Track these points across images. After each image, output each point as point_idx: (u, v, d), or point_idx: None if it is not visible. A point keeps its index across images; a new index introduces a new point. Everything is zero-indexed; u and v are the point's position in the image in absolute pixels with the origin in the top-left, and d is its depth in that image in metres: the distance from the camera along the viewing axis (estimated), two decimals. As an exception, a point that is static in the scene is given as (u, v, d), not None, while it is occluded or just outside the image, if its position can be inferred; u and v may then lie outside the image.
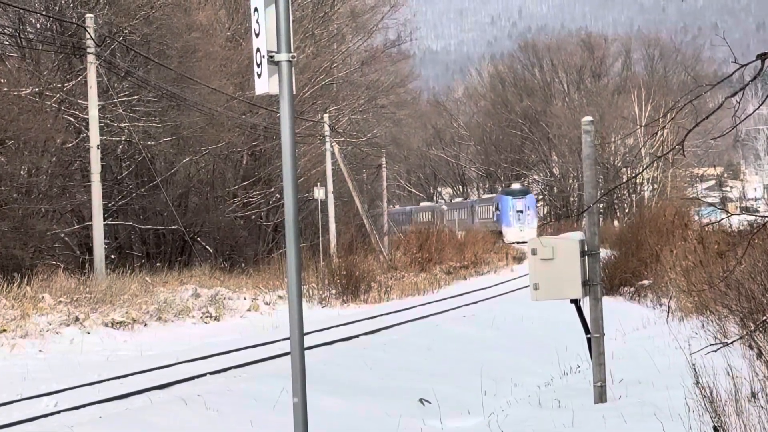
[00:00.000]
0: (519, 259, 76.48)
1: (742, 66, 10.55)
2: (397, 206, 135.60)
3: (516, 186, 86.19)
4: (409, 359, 24.89)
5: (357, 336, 28.71)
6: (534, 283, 16.69)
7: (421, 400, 19.41)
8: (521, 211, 73.91)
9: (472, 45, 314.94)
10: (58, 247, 46.19)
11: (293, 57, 7.85)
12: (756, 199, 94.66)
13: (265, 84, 8.08)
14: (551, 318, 28.12)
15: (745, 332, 16.17)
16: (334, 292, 44.29)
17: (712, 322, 22.39)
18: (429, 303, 42.82)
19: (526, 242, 44.46)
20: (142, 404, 18.08)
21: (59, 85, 43.37)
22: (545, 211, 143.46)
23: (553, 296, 17.30)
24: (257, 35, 8.10)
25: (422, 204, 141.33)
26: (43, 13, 46.30)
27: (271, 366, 22.31)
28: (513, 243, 77.12)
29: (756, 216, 42.05)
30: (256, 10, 7.99)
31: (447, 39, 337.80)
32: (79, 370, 22.97)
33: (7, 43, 45.18)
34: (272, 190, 55.79)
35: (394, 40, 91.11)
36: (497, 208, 79.13)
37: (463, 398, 19.59)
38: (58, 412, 17.16)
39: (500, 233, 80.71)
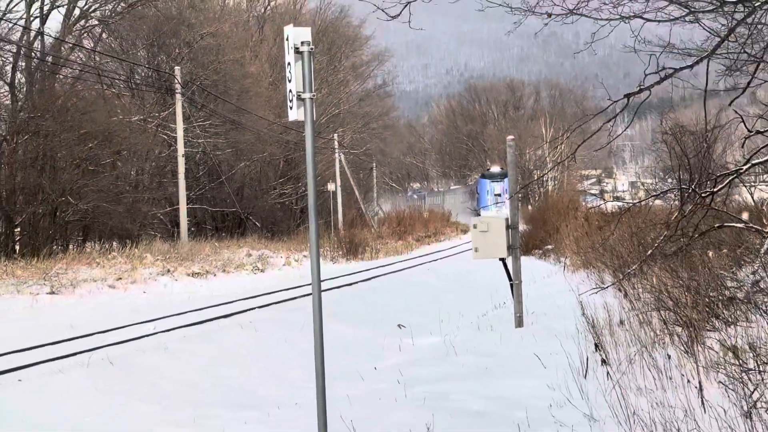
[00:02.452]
0: (465, 231, 73.61)
1: (614, 102, 10.69)
2: (415, 194, 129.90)
3: (495, 169, 64.05)
4: (389, 298, 25.12)
5: (356, 282, 28.57)
6: (475, 247, 17.39)
7: (399, 326, 19.77)
8: (499, 194, 56.71)
9: (433, 88, 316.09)
10: (156, 223, 46.20)
11: (313, 95, 8.01)
12: (623, 191, 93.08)
13: (295, 113, 8.18)
14: (486, 271, 27.04)
15: (615, 280, 16.31)
16: (340, 252, 44.12)
17: (594, 273, 22.52)
18: (404, 261, 42.78)
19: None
20: (212, 328, 18.31)
21: (157, 114, 43.50)
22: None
23: (488, 256, 17.50)
24: (290, 81, 8.19)
25: (434, 190, 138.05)
26: (147, 66, 47.00)
27: (299, 303, 22.13)
28: None
29: (623, 203, 44.31)
30: (289, 64, 8.13)
31: (416, 84, 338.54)
32: (170, 305, 22.84)
33: (122, 85, 45.42)
34: (299, 184, 55.64)
35: (381, 84, 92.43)
36: (476, 191, 62.72)
37: (427, 325, 19.48)
38: (156, 333, 17.39)
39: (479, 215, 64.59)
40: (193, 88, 45.70)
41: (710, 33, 13.39)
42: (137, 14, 44.75)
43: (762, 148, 12.14)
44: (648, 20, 11.92)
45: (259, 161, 55.14)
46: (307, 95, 8.15)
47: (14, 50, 35.60)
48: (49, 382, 13.16)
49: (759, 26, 13.71)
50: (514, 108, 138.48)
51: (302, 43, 8.26)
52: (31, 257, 29.76)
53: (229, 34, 53.96)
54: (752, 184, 15.21)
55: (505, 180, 52.69)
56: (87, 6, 41.53)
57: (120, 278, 27.89)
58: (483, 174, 58.40)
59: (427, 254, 48.77)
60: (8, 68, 36.58)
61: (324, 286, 19.40)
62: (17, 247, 33.42)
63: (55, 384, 13.10)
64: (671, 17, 12.14)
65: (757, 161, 12.12)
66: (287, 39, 8.36)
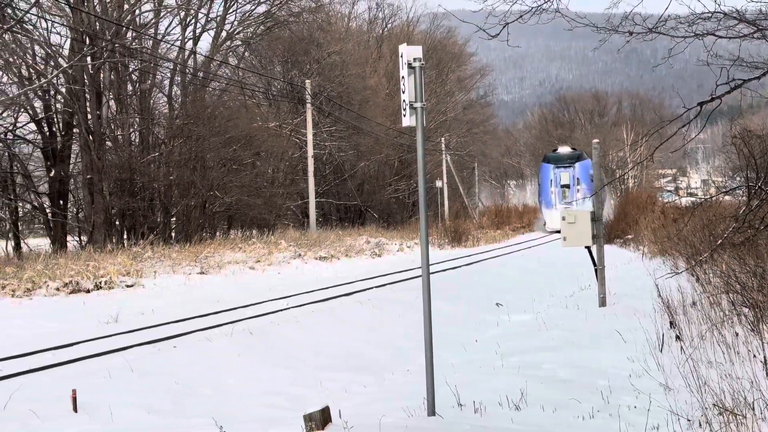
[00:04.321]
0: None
1: (688, 109, 10.40)
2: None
3: (564, 150, 44.87)
4: (488, 280, 24.71)
5: (459, 267, 28.48)
6: (564, 236, 17.19)
7: (497, 304, 19.25)
8: (567, 186, 37.32)
9: (528, 98, 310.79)
10: (289, 214, 47.35)
11: (423, 105, 8.04)
12: (696, 188, 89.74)
13: (408, 120, 8.22)
14: (572, 258, 26.45)
15: (688, 266, 15.90)
16: (446, 240, 44.04)
17: (669, 260, 22.22)
18: (501, 248, 42.36)
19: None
20: (336, 304, 18.31)
21: (290, 121, 44.87)
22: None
23: (575, 245, 17.14)
24: (403, 92, 8.26)
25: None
26: (282, 80, 48.77)
27: (410, 284, 22.04)
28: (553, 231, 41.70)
29: (695, 198, 40.22)
30: (403, 77, 8.15)
31: (513, 94, 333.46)
32: (301, 284, 23.04)
33: (261, 96, 47.52)
34: (411, 181, 55.77)
35: (482, 95, 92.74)
36: (539, 179, 44.50)
37: (521, 303, 19.64)
38: (289, 308, 17.43)
39: (544, 221, 45.78)
40: (321, 98, 46.88)
41: (776, 47, 12.92)
42: (274, 36, 47.69)
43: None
44: (719, 37, 12.09)
45: (377, 161, 55.81)
46: (418, 104, 8.15)
47: (171, 67, 37.40)
48: (199, 349, 13.44)
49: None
50: (599, 115, 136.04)
51: (414, 59, 8.26)
52: (184, 243, 30.60)
53: (352, 53, 55.67)
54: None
55: (578, 165, 37.81)
56: (232, 29, 43.60)
57: (258, 261, 28.35)
58: (546, 156, 40.39)
59: (520, 242, 48.09)
60: (166, 82, 39.20)
61: (431, 269, 19.27)
62: (173, 234, 34.63)
63: (203, 350, 13.48)
64: (741, 34, 11.98)
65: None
66: (402, 56, 8.36)
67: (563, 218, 18.29)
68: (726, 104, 11.68)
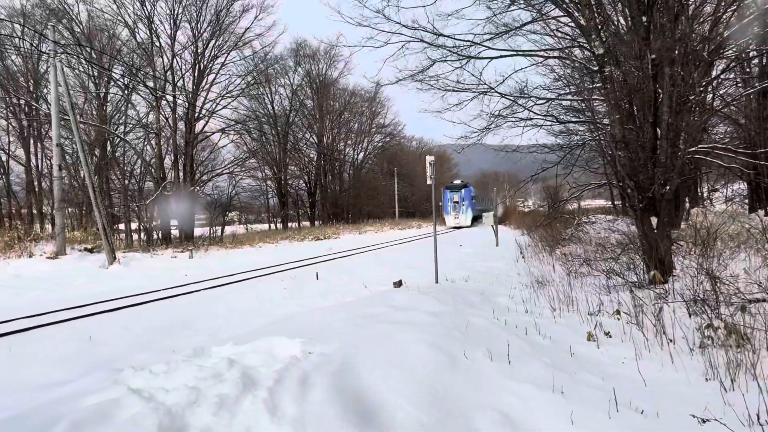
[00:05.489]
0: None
1: (527, 180, 11.43)
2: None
3: (456, 182, 56.19)
4: (454, 239, 30.96)
5: (442, 234, 31.42)
6: (485, 222, 20.64)
7: (459, 245, 23.31)
8: (457, 202, 51.29)
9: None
10: (390, 212, 66.73)
11: (433, 177, 8.66)
12: (531, 205, 74.76)
13: (429, 181, 10.23)
14: (483, 235, 31.16)
15: (527, 232, 21.65)
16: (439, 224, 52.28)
17: (520, 230, 29.42)
18: (445, 230, 51.67)
19: (461, 227, 45.37)
20: (407, 244, 25.43)
21: (384, 183, 64.15)
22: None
23: (488, 224, 25.44)
24: (429, 172, 10.26)
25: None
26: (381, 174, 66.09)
27: (430, 239, 29.37)
28: (451, 227, 50.01)
29: (531, 208, 55.50)
30: (429, 164, 10.31)
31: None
32: (392, 238, 34.15)
33: (381, 179, 64.76)
34: (430, 200, 69.43)
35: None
36: (441, 200, 54.31)
37: (467, 245, 23.33)
38: (387, 245, 24.15)
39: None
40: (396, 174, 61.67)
41: None
42: (387, 154, 68.57)
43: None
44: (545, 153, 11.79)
45: (421, 192, 72.49)
46: (432, 177, 9.73)
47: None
48: (351, 259, 18.04)
49: None
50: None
51: (430, 162, 10.63)
52: (354, 223, 54.78)
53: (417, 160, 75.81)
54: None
55: (463, 191, 49.78)
56: (373, 150, 61.90)
57: (378, 230, 42.27)
58: (447, 186, 52.97)
59: (449, 229, 47.95)
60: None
61: (433, 233, 22.13)
62: (350, 220, 55.82)
63: (354, 259, 17.80)
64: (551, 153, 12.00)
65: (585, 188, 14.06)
66: (428, 161, 10.69)
67: (481, 217, 23.34)
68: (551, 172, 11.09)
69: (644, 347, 5.72)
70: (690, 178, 14.53)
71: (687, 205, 17.50)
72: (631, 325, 6.35)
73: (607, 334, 6.08)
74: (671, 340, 5.74)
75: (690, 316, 6.18)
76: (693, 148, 7.55)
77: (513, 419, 4.33)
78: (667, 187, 7.16)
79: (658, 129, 7.27)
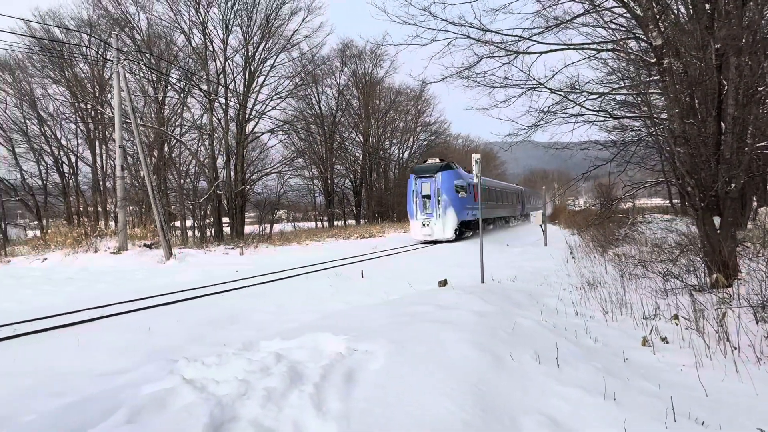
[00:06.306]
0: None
1: (578, 178, 10.67)
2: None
3: (431, 161, 26.32)
4: (499, 237, 29.04)
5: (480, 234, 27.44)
6: (535, 221, 22.87)
7: (506, 245, 22.98)
8: (428, 197, 23.78)
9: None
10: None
11: (480, 175, 8.52)
12: (583, 203, 63.67)
13: (474, 179, 10.82)
14: (532, 232, 32.48)
15: (578, 231, 21.05)
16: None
17: (570, 229, 28.30)
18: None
19: (437, 241, 23.89)
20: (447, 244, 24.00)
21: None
22: None
23: (538, 223, 24.72)
24: (475, 169, 10.82)
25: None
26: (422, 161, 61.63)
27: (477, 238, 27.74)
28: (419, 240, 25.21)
29: (581, 207, 50.79)
30: (475, 162, 10.28)
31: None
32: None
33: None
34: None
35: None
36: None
37: (514, 244, 23.22)
38: (427, 245, 23.08)
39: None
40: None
41: None
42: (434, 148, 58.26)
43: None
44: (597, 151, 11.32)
45: None
46: (477, 176, 10.27)
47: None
48: (398, 257, 18.16)
49: None
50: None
51: (476, 161, 10.57)
52: (392, 222, 47.44)
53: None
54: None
55: (440, 175, 24.53)
56: (414, 153, 56.57)
57: (395, 229, 39.86)
58: (413, 168, 26.05)
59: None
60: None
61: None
62: (379, 219, 52.38)
63: (400, 258, 18.00)
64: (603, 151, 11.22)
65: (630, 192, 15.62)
66: (473, 159, 10.79)
67: (533, 215, 22.76)
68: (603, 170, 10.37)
69: (705, 355, 5.44)
70: (758, 175, 13.98)
71: (754, 204, 16.88)
72: (690, 331, 6.09)
73: (663, 339, 5.86)
74: (736, 348, 5.43)
75: (757, 322, 5.85)
76: (762, 143, 7.08)
77: (561, 424, 4.17)
78: (732, 185, 6.73)
79: (722, 123, 6.87)
